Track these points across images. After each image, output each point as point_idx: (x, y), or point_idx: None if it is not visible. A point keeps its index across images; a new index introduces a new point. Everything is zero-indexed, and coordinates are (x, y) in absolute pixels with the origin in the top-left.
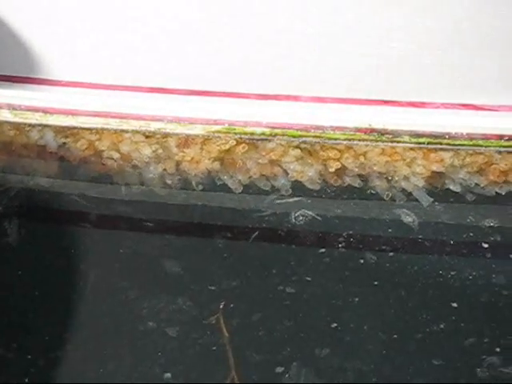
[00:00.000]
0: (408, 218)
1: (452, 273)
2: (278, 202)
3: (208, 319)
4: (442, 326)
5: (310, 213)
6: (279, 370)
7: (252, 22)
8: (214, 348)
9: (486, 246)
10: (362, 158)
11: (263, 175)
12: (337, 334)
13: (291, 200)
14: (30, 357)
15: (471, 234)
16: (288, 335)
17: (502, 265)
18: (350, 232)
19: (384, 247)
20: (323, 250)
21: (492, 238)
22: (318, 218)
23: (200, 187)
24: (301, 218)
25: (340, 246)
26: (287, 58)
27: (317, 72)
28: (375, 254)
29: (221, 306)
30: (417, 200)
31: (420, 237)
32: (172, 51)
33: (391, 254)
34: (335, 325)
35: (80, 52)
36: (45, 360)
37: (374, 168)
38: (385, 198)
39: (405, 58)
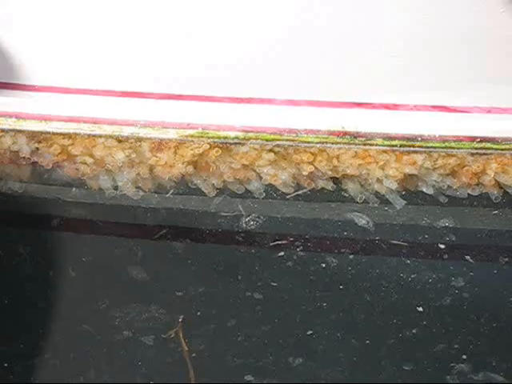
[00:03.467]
0: (361, 220)
1: (412, 276)
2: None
3: (167, 333)
4: (414, 331)
5: (261, 216)
6: (249, 378)
7: (224, 26)
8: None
9: (442, 246)
10: (335, 161)
11: (237, 179)
12: (313, 341)
13: (241, 203)
14: (6, 364)
15: (426, 236)
16: (268, 342)
17: (459, 266)
18: (306, 236)
19: (343, 250)
20: (282, 253)
21: (448, 239)
22: (271, 221)
23: (173, 191)
24: (252, 222)
25: (298, 249)
26: (260, 61)
27: (290, 75)
28: (335, 257)
29: (180, 320)
30: (367, 202)
31: (377, 239)
32: (145, 55)
33: (351, 256)
34: (311, 332)
35: (52, 57)
36: (23, 367)
37: (347, 171)
38: (358, 200)
39: (377, 60)
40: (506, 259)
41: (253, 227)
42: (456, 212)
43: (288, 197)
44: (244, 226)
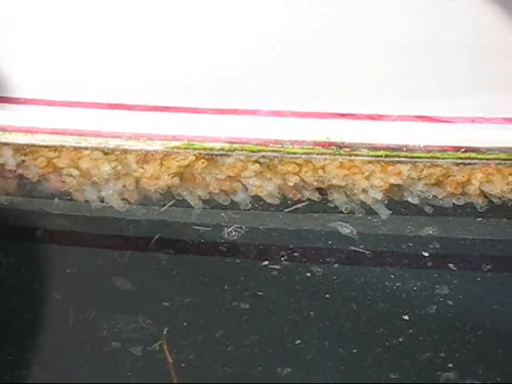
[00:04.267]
0: (345, 229)
1: (397, 284)
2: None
3: (152, 346)
4: (400, 339)
5: (243, 227)
6: None
7: (207, 37)
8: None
9: (426, 254)
10: (320, 172)
11: (223, 190)
12: (301, 351)
13: (223, 214)
14: None
15: (410, 244)
16: (256, 351)
17: (443, 274)
18: (290, 245)
19: (328, 259)
20: (266, 262)
21: (431, 246)
22: (254, 231)
23: (160, 203)
24: (234, 232)
25: (283, 259)
26: (244, 73)
27: (274, 86)
28: (320, 266)
29: (164, 332)
30: (352, 211)
31: (361, 248)
32: (129, 67)
33: (336, 265)
34: (299, 341)
35: (37, 69)
36: (11, 378)
37: (333, 181)
38: (344, 210)
39: (361, 71)
40: (489, 266)
41: (235, 238)
42: (440, 220)
43: (286, 210)
44: (227, 236)
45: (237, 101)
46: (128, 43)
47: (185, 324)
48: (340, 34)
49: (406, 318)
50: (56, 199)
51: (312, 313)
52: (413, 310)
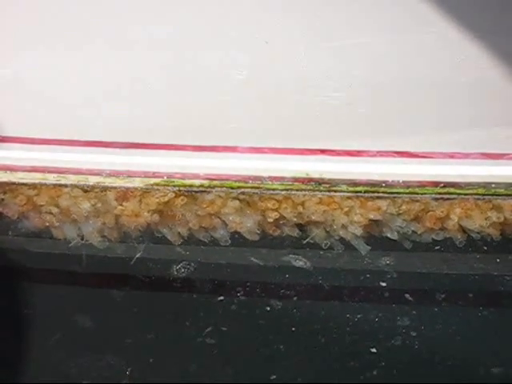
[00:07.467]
0: (299, 262)
1: (358, 316)
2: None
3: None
4: (374, 372)
5: (192, 263)
6: None
7: (185, 73)
8: None
9: (384, 284)
10: (300, 208)
11: (202, 227)
12: None
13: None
14: None
15: (368, 276)
16: None
17: (401, 305)
18: (246, 280)
19: (286, 293)
20: (221, 298)
21: (389, 276)
22: (204, 266)
23: (139, 240)
24: (183, 269)
25: (239, 294)
26: (223, 109)
27: (253, 122)
28: (279, 300)
29: (127, 372)
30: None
31: (319, 280)
32: (108, 104)
33: (295, 299)
34: (274, 377)
35: (16, 107)
36: None
37: (312, 217)
38: (323, 246)
39: (340, 107)
40: (443, 296)
41: (184, 275)
42: (397, 249)
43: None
44: (176, 273)
45: (216, 137)
46: (106, 81)
47: (152, 360)
48: (318, 71)
49: (374, 350)
50: (36, 237)
51: (282, 346)
52: (379, 343)
